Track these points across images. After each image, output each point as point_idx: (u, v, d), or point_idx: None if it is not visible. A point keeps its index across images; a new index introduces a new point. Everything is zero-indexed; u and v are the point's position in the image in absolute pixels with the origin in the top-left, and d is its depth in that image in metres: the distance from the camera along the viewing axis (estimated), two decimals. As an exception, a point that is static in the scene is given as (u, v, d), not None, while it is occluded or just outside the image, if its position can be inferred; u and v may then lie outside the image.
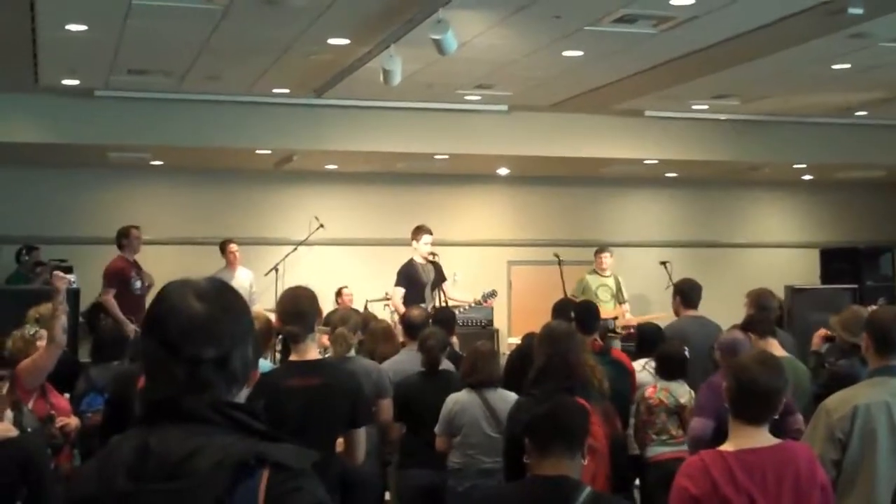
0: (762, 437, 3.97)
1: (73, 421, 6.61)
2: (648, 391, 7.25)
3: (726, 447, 3.95)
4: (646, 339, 8.31)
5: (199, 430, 2.06)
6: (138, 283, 11.05)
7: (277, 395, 4.76)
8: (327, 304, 12.04)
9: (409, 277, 10.84)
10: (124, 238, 11.26)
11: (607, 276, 13.39)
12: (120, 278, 10.94)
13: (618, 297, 13.30)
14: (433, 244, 11.05)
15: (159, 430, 2.08)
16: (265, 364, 6.39)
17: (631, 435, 7.53)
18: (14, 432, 5.57)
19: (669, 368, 7.32)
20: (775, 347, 6.71)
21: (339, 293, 13.62)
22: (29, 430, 5.81)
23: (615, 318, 12.49)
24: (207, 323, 2.13)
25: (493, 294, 11.96)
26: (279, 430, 2.12)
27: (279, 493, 1.99)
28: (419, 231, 11.06)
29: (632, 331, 13.40)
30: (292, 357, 5.20)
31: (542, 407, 3.95)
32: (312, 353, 5.18)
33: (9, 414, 5.93)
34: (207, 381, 2.11)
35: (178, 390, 2.10)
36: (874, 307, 6.17)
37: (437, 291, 10.74)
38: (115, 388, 6.42)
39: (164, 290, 2.20)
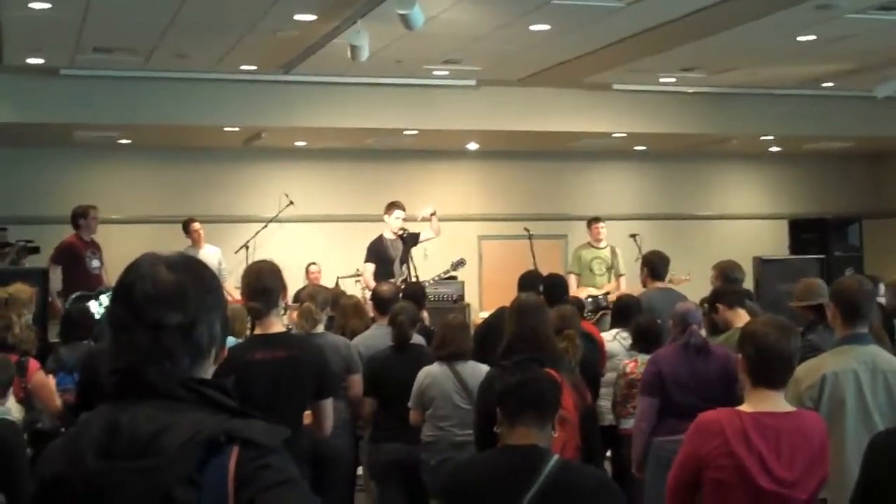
0: (780, 403, 4.01)
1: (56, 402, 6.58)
2: (630, 366, 7.23)
3: (744, 408, 3.98)
4: (622, 311, 8.34)
5: (168, 407, 2.04)
6: (95, 262, 10.96)
7: (242, 369, 4.75)
8: (298, 282, 12.03)
9: (377, 253, 10.88)
10: (81, 218, 11.16)
11: (602, 248, 12.64)
12: (70, 255, 10.84)
13: (614, 270, 12.50)
14: (404, 220, 11.09)
15: (129, 407, 2.06)
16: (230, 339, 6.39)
17: (602, 406, 7.60)
18: None
19: (646, 341, 7.34)
20: (744, 318, 6.76)
21: (307, 270, 13.61)
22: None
23: (607, 294, 11.87)
24: (173, 289, 2.12)
25: (461, 262, 11.93)
26: (246, 403, 2.12)
27: (249, 471, 1.98)
28: (392, 206, 11.08)
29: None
30: (256, 331, 5.21)
31: (513, 378, 3.97)
32: (277, 326, 5.19)
33: (16, 405, 5.92)
34: (169, 350, 2.09)
35: (140, 358, 2.08)
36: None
37: (405, 266, 10.77)
38: (86, 367, 6.40)
39: (136, 260, 2.19)
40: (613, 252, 12.61)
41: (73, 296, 10.11)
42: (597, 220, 12.89)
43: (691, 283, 9.39)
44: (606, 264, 12.51)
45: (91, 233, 11.20)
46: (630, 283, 11.36)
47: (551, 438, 3.85)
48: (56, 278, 10.60)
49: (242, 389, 2.36)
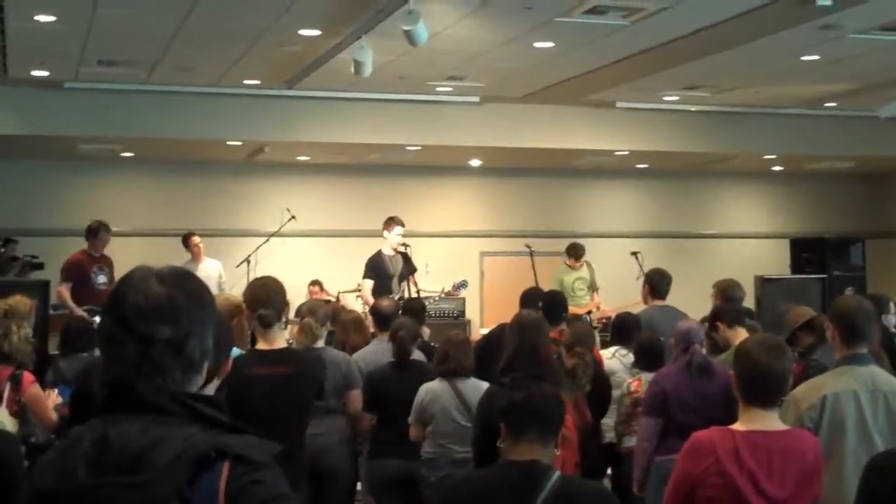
0: (772, 422, 4.02)
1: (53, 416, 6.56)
2: (634, 385, 7.20)
3: (737, 426, 3.99)
4: (621, 328, 8.30)
5: (159, 422, 2.03)
6: (101, 278, 10.90)
7: (243, 384, 4.74)
8: (300, 296, 12.02)
9: (376, 269, 10.80)
10: (92, 236, 11.14)
11: (580, 267, 12.76)
12: (77, 272, 10.83)
13: (591, 286, 12.73)
14: (405, 235, 11.02)
15: (120, 421, 2.04)
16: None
17: (604, 423, 7.57)
18: None
19: (649, 359, 7.31)
20: (744, 337, 6.74)
21: (310, 291, 13.60)
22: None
23: (589, 312, 12.13)
24: (164, 303, 2.10)
25: (463, 284, 11.93)
26: (245, 418, 2.10)
27: (240, 486, 1.96)
28: (391, 222, 11.00)
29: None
30: (259, 345, 5.20)
31: (519, 393, 3.96)
32: (280, 341, 5.19)
33: (10, 419, 5.90)
34: (160, 364, 2.07)
35: (131, 372, 2.07)
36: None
37: (405, 282, 10.70)
38: (80, 379, 6.38)
39: (128, 273, 2.18)
40: (590, 269, 12.77)
41: (82, 309, 10.13)
42: (577, 251, 12.78)
43: (692, 302, 9.36)
44: (587, 283, 12.67)
45: (97, 250, 11.18)
46: (628, 299, 11.36)
47: (553, 455, 3.84)
48: (64, 296, 10.62)
49: (242, 404, 2.34)
